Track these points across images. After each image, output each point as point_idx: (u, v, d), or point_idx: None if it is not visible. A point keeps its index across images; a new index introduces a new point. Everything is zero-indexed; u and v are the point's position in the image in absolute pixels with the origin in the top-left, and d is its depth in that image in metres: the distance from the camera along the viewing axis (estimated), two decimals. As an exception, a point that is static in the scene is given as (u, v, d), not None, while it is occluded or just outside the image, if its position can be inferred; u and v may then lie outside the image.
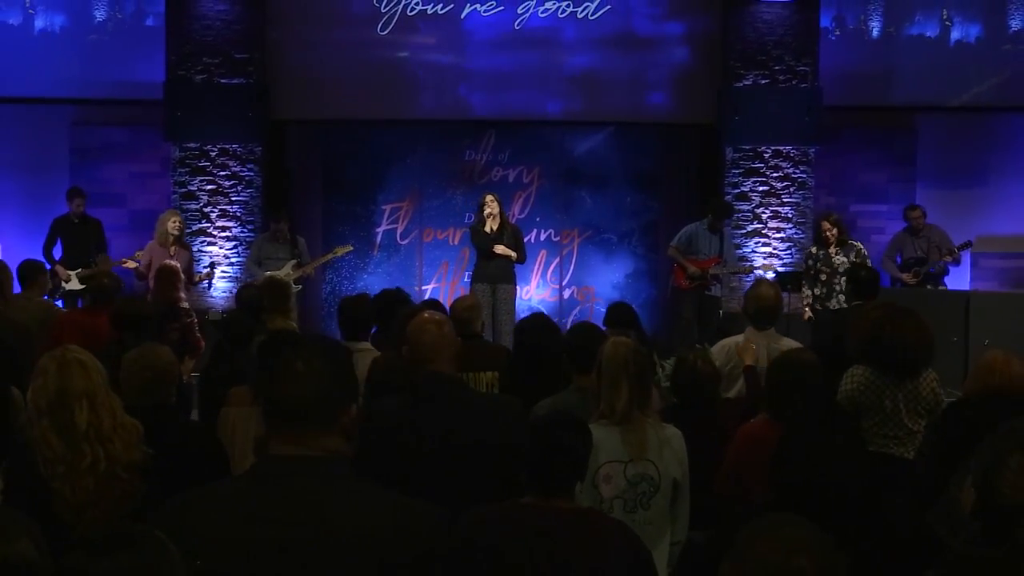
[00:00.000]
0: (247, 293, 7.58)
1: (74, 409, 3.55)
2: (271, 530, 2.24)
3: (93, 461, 3.52)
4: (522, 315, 12.10)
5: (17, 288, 7.95)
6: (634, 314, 6.67)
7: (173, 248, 10.48)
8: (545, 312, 8.63)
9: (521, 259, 10.51)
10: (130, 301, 6.54)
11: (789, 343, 6.07)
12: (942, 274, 11.60)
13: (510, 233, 10.44)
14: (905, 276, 11.55)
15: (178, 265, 9.40)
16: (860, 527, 3.20)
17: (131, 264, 10.75)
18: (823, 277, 10.21)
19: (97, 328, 6.78)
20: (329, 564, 2.22)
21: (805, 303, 10.39)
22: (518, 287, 10.84)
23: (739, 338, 6.06)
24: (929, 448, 4.80)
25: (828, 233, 10.24)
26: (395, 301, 6.55)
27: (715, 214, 11.06)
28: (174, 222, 10.61)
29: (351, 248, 11.70)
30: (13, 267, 8.20)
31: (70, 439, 3.53)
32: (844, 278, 10.02)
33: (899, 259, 11.76)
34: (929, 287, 11.30)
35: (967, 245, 11.37)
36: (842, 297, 9.99)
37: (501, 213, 10.40)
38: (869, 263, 9.96)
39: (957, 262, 11.59)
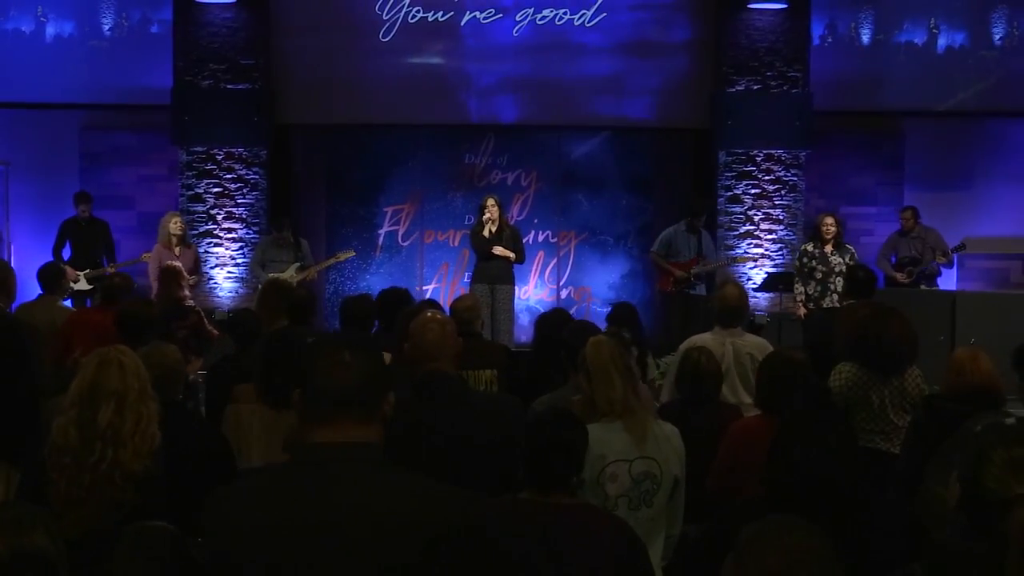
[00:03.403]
0: (299, 293, 7.56)
1: (100, 407, 3.58)
2: (312, 515, 2.25)
3: (98, 460, 3.53)
4: (520, 314, 12.45)
5: (39, 291, 8.13)
6: (635, 314, 6.82)
7: (178, 248, 10.73)
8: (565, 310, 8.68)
9: (520, 259, 10.69)
10: (136, 303, 6.46)
11: (754, 340, 6.23)
12: (935, 274, 11.70)
13: (508, 235, 10.60)
14: (898, 275, 11.63)
15: (180, 265, 9.54)
16: (852, 521, 3.21)
17: (147, 257, 11.00)
18: (818, 275, 10.19)
19: (107, 326, 6.70)
20: (366, 548, 2.24)
21: (799, 299, 10.38)
22: (517, 287, 11.02)
23: (706, 336, 6.16)
24: (907, 443, 4.90)
25: (830, 228, 10.25)
26: (398, 300, 6.57)
27: (691, 216, 11.24)
28: (175, 223, 10.81)
29: (353, 253, 11.91)
30: (26, 268, 8.42)
31: (87, 435, 3.56)
32: (840, 278, 10.19)
33: (893, 259, 11.87)
34: (923, 287, 11.35)
35: (961, 247, 11.45)
36: (836, 296, 10.08)
37: (501, 216, 10.59)
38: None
39: (950, 264, 11.67)
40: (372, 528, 2.25)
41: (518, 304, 12.38)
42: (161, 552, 3.39)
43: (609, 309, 7.82)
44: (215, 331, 8.07)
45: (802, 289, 10.33)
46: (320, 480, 2.30)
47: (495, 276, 10.53)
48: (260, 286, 8.76)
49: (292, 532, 2.24)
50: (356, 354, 2.40)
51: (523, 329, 12.40)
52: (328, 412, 2.36)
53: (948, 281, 12.25)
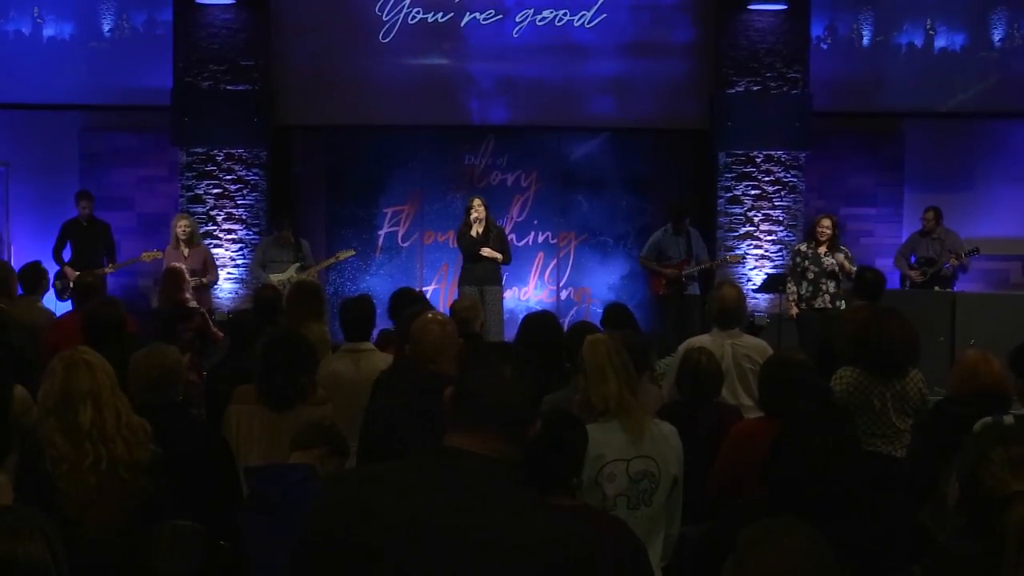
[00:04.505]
0: (264, 293, 7.67)
1: (78, 409, 3.61)
2: (436, 516, 2.21)
3: (95, 460, 3.57)
4: (520, 315, 12.43)
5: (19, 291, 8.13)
6: (629, 314, 6.80)
7: (186, 250, 10.75)
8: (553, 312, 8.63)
9: (507, 260, 10.73)
10: (99, 305, 6.34)
11: (753, 341, 6.21)
12: (950, 277, 11.66)
13: (495, 236, 10.64)
14: (913, 274, 11.68)
15: (182, 267, 9.53)
16: (853, 524, 3.20)
17: (150, 256, 11.02)
18: (810, 276, 10.21)
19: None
20: (483, 559, 2.19)
21: (791, 299, 10.42)
22: (513, 288, 11.01)
23: (705, 338, 6.15)
24: (918, 448, 4.92)
25: (825, 232, 10.23)
26: (411, 301, 6.49)
27: (674, 218, 11.30)
28: (182, 226, 10.85)
29: (353, 252, 11.91)
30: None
31: (74, 438, 3.59)
32: (831, 279, 10.23)
33: (912, 259, 11.87)
34: (937, 288, 11.36)
35: (974, 251, 11.47)
36: (828, 297, 10.13)
37: (487, 216, 10.62)
38: (852, 269, 10.11)
39: (964, 267, 11.65)
40: (491, 543, 2.20)
41: (518, 305, 12.44)
42: (194, 550, 3.42)
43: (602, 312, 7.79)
44: (220, 332, 8.06)
45: (794, 289, 10.37)
46: (444, 483, 2.27)
47: (483, 278, 10.55)
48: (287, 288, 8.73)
49: (404, 527, 2.21)
50: (517, 372, 2.37)
51: (520, 330, 12.40)
52: (474, 422, 2.33)
53: (948, 282, 12.21)
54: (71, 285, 11.17)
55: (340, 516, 2.26)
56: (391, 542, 2.20)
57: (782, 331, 10.90)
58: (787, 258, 12.11)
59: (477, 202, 10.61)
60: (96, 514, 3.55)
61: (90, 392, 3.64)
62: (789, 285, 10.45)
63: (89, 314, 6.15)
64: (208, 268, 10.97)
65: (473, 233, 10.54)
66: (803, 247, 10.46)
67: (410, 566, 2.19)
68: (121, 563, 3.51)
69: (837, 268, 10.16)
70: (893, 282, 12.05)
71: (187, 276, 9.22)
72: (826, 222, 10.33)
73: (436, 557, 2.19)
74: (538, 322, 5.97)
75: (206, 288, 10.94)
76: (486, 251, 10.49)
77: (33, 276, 8.03)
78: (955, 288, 11.69)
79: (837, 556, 2.24)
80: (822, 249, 10.25)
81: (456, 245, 10.97)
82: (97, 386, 3.67)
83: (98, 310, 6.15)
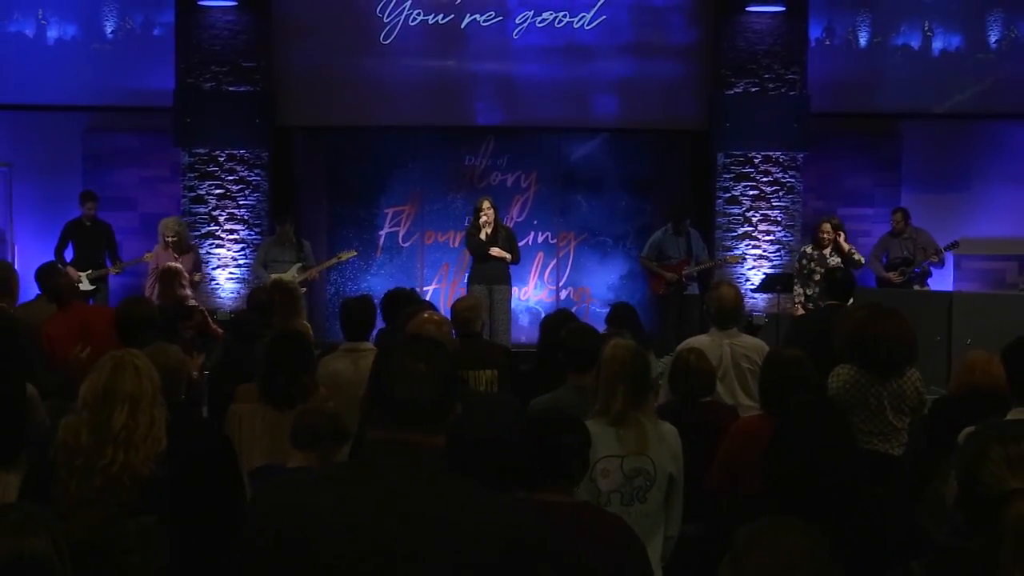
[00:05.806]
0: (258, 295, 7.72)
1: (115, 410, 3.60)
2: (368, 513, 2.23)
3: (109, 463, 3.56)
4: (520, 315, 12.53)
5: (37, 291, 8.17)
6: (634, 314, 6.87)
7: (175, 253, 10.78)
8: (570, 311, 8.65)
9: (515, 260, 10.81)
10: (132, 303, 6.31)
11: (751, 341, 6.24)
12: (926, 275, 11.80)
13: (504, 236, 10.71)
14: (891, 275, 11.74)
15: (179, 265, 9.57)
16: (850, 520, 3.20)
17: (152, 256, 11.08)
18: (817, 277, 10.28)
19: (72, 328, 6.75)
20: (424, 554, 2.21)
21: (797, 301, 10.49)
22: (515, 287, 11.06)
23: (703, 338, 6.18)
24: (915, 445, 4.93)
25: (825, 238, 10.34)
26: (404, 300, 6.59)
27: (674, 218, 11.36)
28: (169, 232, 10.89)
29: (355, 253, 11.98)
30: (29, 269, 8.44)
31: (100, 437, 3.58)
32: None
33: (884, 259, 11.98)
34: (916, 287, 11.46)
35: (954, 246, 11.55)
36: (832, 298, 10.25)
37: (496, 217, 10.69)
38: (860, 258, 10.13)
39: (941, 263, 11.76)
40: (432, 534, 2.22)
41: (517, 305, 12.48)
42: (162, 547, 3.44)
43: (608, 310, 7.88)
44: (220, 330, 8.12)
45: (801, 291, 10.43)
46: (378, 482, 2.28)
47: (492, 277, 10.61)
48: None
49: (341, 529, 2.23)
50: (431, 366, 2.37)
51: (522, 329, 12.50)
52: (396, 421, 2.33)
53: (945, 282, 12.31)
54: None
55: (275, 521, 2.28)
56: (326, 543, 2.22)
57: (781, 331, 10.95)
58: (786, 258, 12.19)
59: (487, 204, 10.66)
60: (87, 514, 3.52)
61: (131, 396, 3.64)
62: (796, 287, 10.52)
63: (120, 312, 6.19)
64: (194, 271, 10.99)
65: (482, 236, 10.60)
66: (808, 249, 10.55)
67: (346, 564, 2.21)
68: (94, 567, 3.47)
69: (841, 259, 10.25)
70: (869, 283, 12.16)
71: (184, 274, 9.25)
72: (827, 227, 10.44)
73: (371, 554, 2.21)
74: (557, 322, 6.03)
75: (196, 288, 10.98)
76: (495, 251, 10.56)
77: (48, 276, 8.06)
78: (952, 288, 11.76)
79: (834, 553, 2.25)
80: (827, 251, 10.32)
81: (463, 245, 11.02)
82: (139, 391, 3.66)
83: (131, 308, 6.18)
